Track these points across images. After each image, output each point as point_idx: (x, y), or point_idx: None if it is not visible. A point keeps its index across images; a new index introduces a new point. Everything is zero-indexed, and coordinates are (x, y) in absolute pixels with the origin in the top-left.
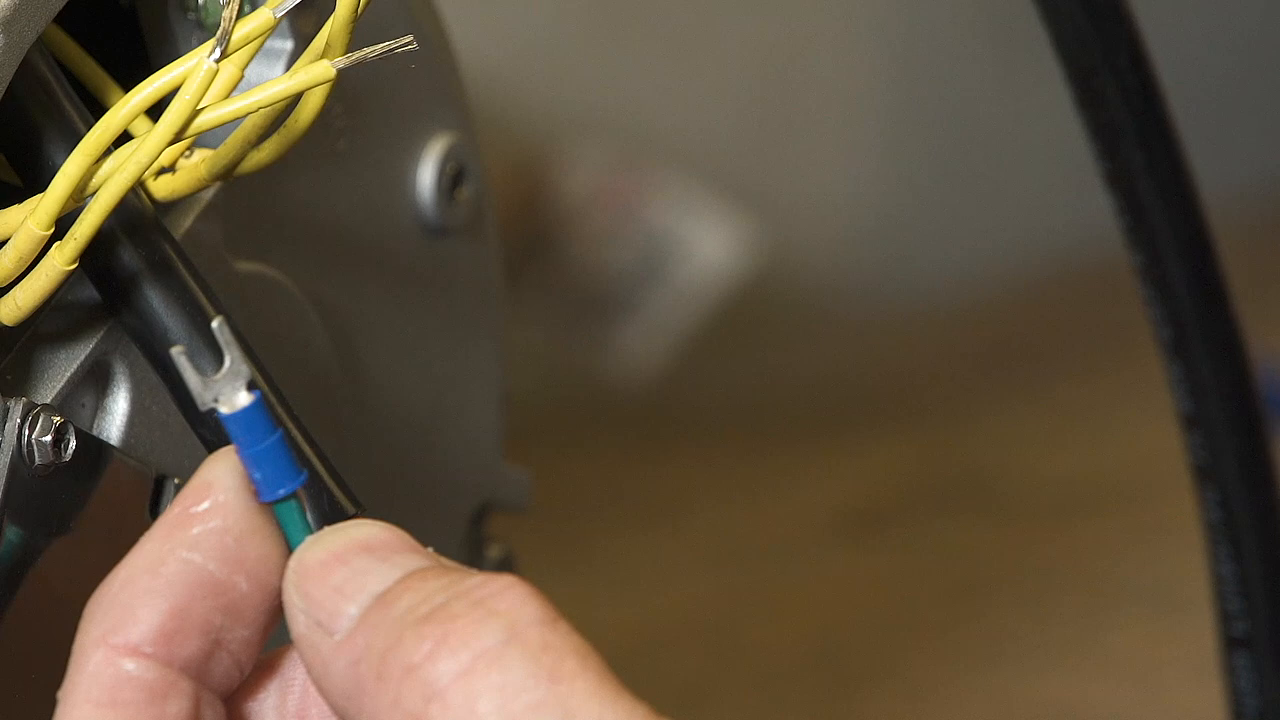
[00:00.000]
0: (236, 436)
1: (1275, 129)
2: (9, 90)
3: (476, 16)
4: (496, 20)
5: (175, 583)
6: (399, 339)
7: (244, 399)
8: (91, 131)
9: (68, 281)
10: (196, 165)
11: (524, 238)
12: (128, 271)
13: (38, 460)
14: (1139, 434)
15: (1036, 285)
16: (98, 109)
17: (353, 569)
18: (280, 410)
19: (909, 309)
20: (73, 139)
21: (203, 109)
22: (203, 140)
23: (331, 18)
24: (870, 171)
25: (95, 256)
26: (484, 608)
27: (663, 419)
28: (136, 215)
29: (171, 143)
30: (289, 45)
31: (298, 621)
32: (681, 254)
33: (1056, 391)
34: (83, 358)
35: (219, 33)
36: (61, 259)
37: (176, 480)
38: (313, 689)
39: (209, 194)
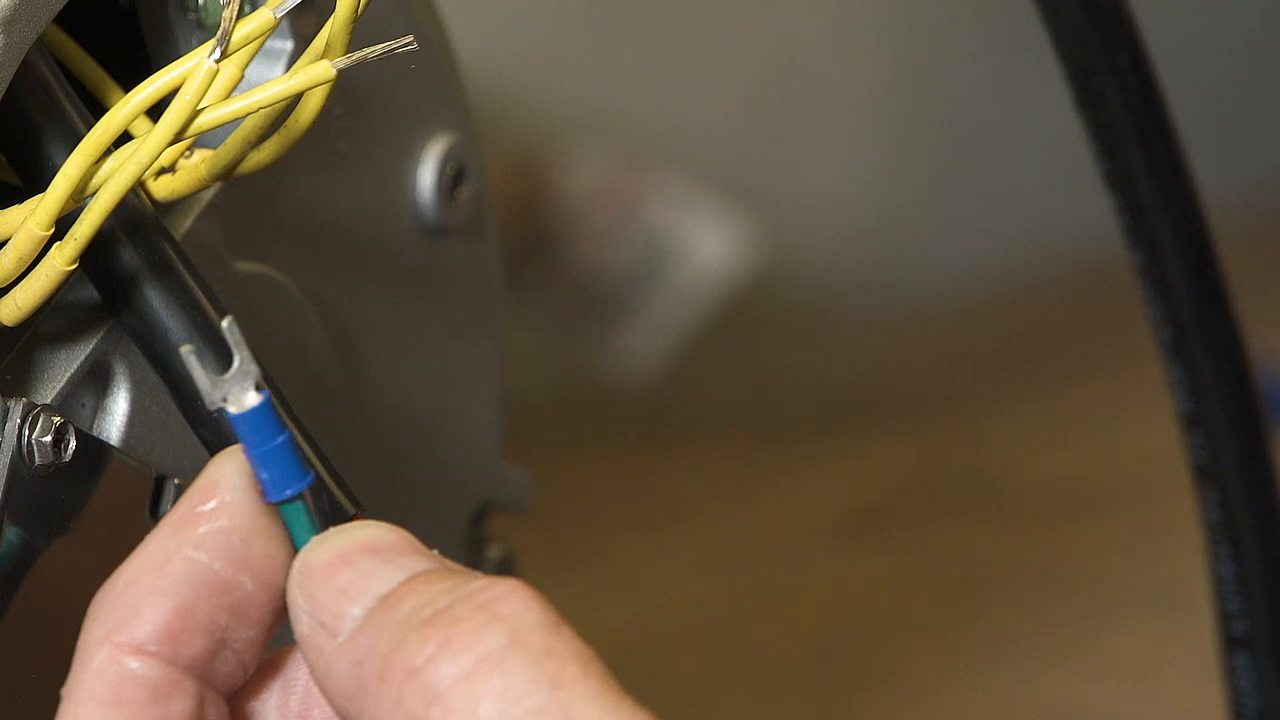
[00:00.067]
0: (245, 436)
1: (1275, 129)
2: (9, 90)
3: (476, 16)
4: (496, 20)
5: (180, 582)
6: (399, 339)
7: (253, 399)
8: (91, 132)
9: (68, 282)
10: (196, 165)
11: (524, 238)
12: (128, 272)
13: (38, 460)
14: (1139, 434)
15: (1036, 285)
16: (98, 109)
17: (357, 570)
18: (283, 411)
19: (909, 309)
20: (73, 139)
21: (203, 109)
22: (203, 140)
23: (331, 18)
24: (870, 171)
25: (95, 257)
26: (487, 611)
27: (663, 419)
28: (136, 215)
29: (171, 143)
30: (289, 45)
31: (301, 622)
32: (681, 254)
33: (1056, 392)
34: (83, 358)
35: (219, 33)
36: (61, 259)
37: (177, 480)
38: (315, 690)
39: (209, 194)
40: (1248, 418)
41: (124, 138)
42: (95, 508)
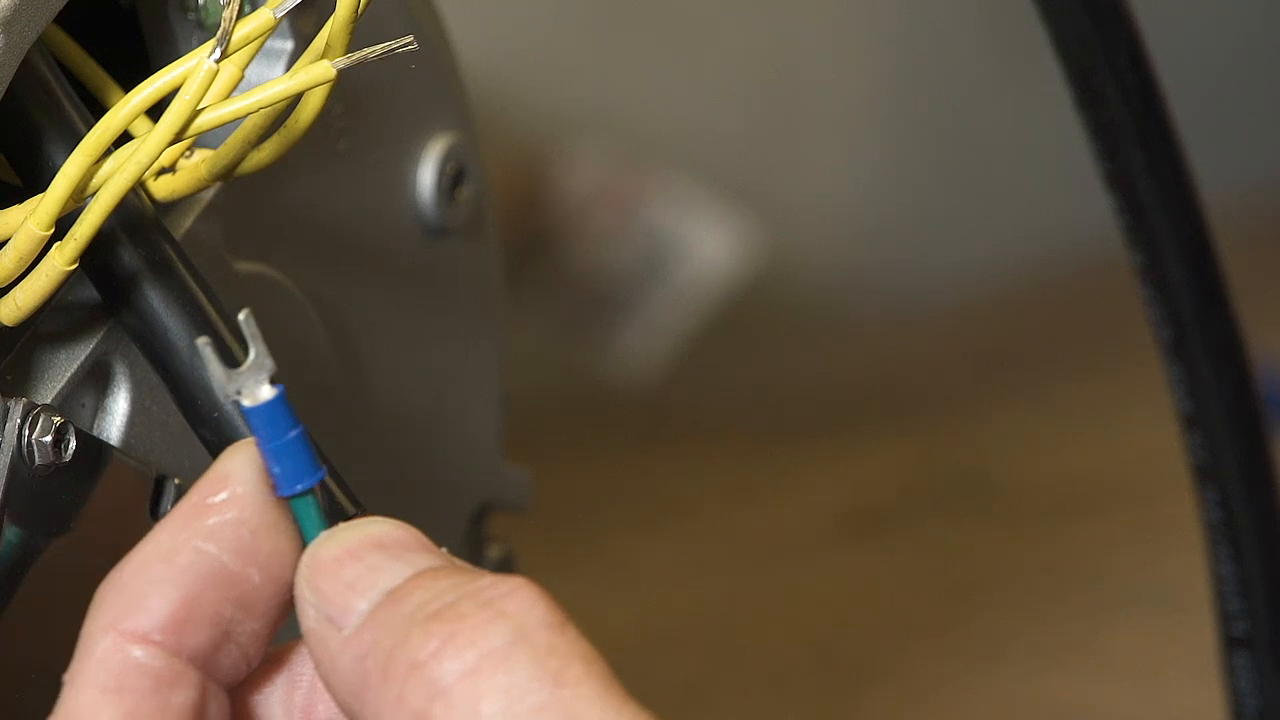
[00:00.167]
0: (258, 430)
1: (1275, 129)
2: (9, 90)
3: (476, 16)
4: (496, 20)
5: (188, 572)
6: (399, 339)
7: (267, 392)
8: (91, 132)
9: (68, 282)
10: (196, 165)
11: (524, 238)
12: (128, 272)
13: (38, 460)
14: (1139, 434)
15: (1036, 285)
16: (98, 109)
17: (365, 565)
18: None
19: (909, 309)
20: (73, 139)
21: (203, 109)
22: (203, 140)
23: (331, 18)
24: (870, 171)
25: (95, 256)
26: (493, 608)
27: (663, 419)
28: (136, 215)
29: (172, 143)
30: (289, 45)
31: (308, 615)
32: (681, 254)
33: (1057, 391)
34: (83, 358)
35: (219, 33)
36: (61, 259)
37: (177, 480)
38: (320, 685)
39: (209, 194)
40: (1248, 418)
41: (124, 138)
42: (95, 507)
